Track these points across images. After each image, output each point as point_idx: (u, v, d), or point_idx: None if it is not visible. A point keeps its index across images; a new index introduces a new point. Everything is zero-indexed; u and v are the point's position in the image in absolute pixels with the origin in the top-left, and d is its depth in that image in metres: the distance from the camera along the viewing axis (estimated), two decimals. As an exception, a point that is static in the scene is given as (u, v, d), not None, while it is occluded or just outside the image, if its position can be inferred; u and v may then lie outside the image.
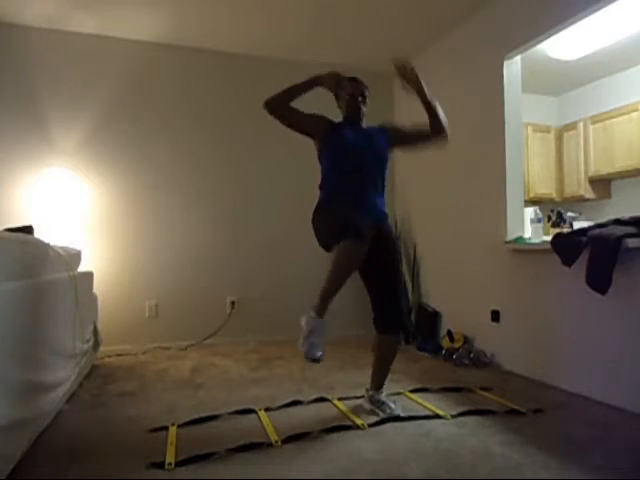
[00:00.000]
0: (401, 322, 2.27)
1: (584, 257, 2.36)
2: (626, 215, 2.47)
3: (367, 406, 2.24)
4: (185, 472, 1.64)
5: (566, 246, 2.46)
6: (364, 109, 2.31)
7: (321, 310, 1.95)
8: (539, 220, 4.22)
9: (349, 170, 2.18)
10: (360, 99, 2.29)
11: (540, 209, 3.18)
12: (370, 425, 2.03)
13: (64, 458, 1.76)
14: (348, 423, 2.05)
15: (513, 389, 2.60)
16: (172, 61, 3.93)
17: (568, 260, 2.44)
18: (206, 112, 4.01)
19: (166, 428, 2.00)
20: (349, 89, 2.27)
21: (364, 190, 2.19)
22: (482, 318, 3.26)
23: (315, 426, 2.02)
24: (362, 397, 2.33)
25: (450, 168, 3.69)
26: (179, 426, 2.03)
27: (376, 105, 4.35)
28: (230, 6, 3.33)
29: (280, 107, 2.32)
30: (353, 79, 2.31)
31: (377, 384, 2.29)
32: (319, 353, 1.91)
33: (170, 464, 1.67)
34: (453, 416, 2.13)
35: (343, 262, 1.92)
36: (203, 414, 2.15)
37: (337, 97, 2.35)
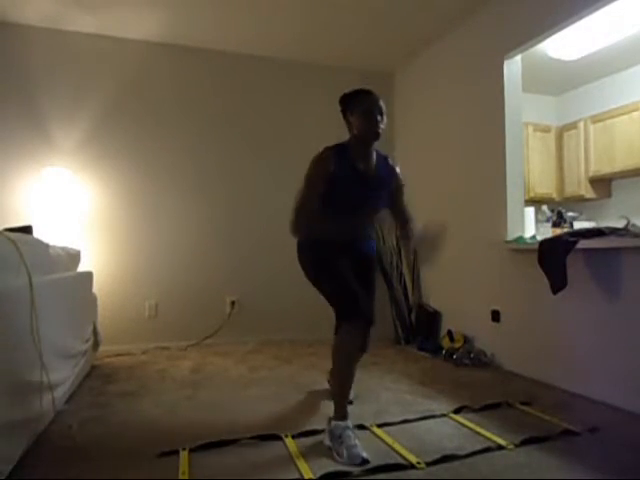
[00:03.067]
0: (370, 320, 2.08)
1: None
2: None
3: (327, 442, 1.84)
4: None
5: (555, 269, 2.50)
6: (382, 130, 1.98)
7: (340, 413, 1.89)
8: (548, 219, 4.24)
9: (348, 212, 2.06)
10: (379, 118, 1.96)
11: (540, 209, 3.18)
12: (429, 464, 1.68)
13: (64, 458, 1.75)
14: (402, 462, 1.70)
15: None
16: (172, 61, 3.93)
17: (559, 283, 2.46)
18: (206, 112, 4.00)
19: (177, 452, 1.78)
20: (368, 108, 1.96)
21: (361, 229, 2.19)
22: (482, 318, 3.25)
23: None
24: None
25: (450, 168, 3.69)
26: (191, 450, 1.80)
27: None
28: (230, 5, 3.33)
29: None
30: (368, 92, 2.02)
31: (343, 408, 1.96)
32: (363, 453, 1.70)
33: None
34: (516, 445, 1.84)
35: (344, 354, 1.93)
36: (218, 438, 1.88)
37: (346, 112, 2.04)
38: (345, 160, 1.98)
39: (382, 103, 2.00)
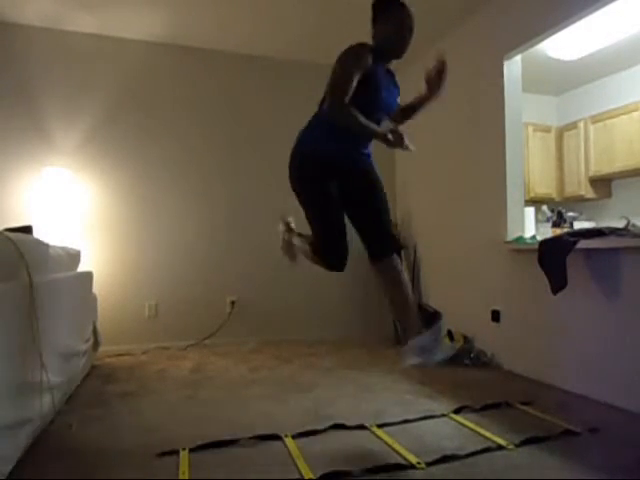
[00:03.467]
0: (393, 243, 2.03)
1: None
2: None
3: (414, 360, 1.89)
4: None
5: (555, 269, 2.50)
6: (408, 46, 2.00)
7: (414, 327, 1.93)
8: (548, 219, 4.25)
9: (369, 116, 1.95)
10: (408, 34, 1.98)
11: (540, 209, 3.18)
12: (429, 464, 1.67)
13: (64, 458, 1.75)
14: (402, 462, 1.71)
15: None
16: (172, 61, 3.93)
17: (559, 283, 2.46)
18: (206, 112, 4.01)
19: (177, 452, 1.78)
20: (398, 23, 1.94)
21: (364, 143, 2.10)
22: (482, 318, 3.25)
23: (356, 460, 1.71)
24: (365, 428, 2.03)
25: (450, 168, 3.69)
26: (191, 450, 1.80)
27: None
28: (230, 5, 3.33)
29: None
30: (404, 7, 1.97)
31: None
32: (446, 352, 1.84)
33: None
34: (517, 445, 1.83)
35: (397, 281, 1.95)
36: (218, 438, 1.88)
37: (377, 19, 2.00)
38: (375, 64, 1.94)
39: (413, 18, 1.99)
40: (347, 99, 1.83)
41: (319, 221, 2.00)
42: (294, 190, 2.08)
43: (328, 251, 1.99)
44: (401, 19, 1.96)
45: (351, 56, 1.89)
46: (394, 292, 1.97)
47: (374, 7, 2.04)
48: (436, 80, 2.03)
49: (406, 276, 1.99)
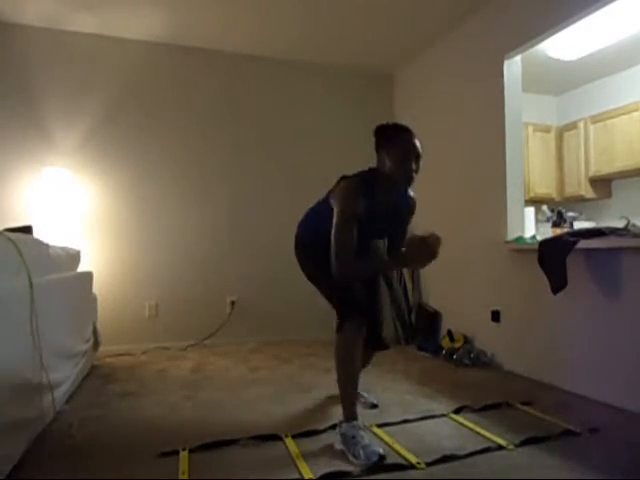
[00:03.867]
0: (381, 339, 2.25)
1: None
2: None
3: (339, 446, 1.81)
4: None
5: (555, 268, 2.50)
6: (415, 176, 1.91)
7: (350, 415, 1.88)
8: (548, 219, 4.24)
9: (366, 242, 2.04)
10: (414, 165, 1.89)
11: (540, 209, 3.18)
12: (429, 464, 1.68)
13: (64, 458, 1.75)
14: (402, 462, 1.70)
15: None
16: (173, 61, 3.92)
17: (559, 283, 2.46)
18: (206, 112, 4.00)
19: (177, 452, 1.78)
20: (407, 152, 1.87)
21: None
22: (482, 318, 3.25)
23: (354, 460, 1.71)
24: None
25: (450, 168, 3.69)
26: (191, 450, 1.79)
27: (375, 106, 4.40)
28: (230, 5, 3.33)
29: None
30: (408, 133, 1.91)
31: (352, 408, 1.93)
32: (379, 450, 1.72)
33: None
34: (516, 445, 1.83)
35: (346, 355, 1.92)
36: (218, 438, 1.88)
37: (380, 147, 1.94)
38: (370, 196, 1.90)
39: (419, 146, 1.91)
40: (353, 253, 1.83)
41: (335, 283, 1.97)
42: (306, 272, 2.17)
43: (354, 305, 1.95)
44: (407, 152, 1.88)
45: (349, 201, 1.86)
46: (353, 367, 1.94)
47: (376, 135, 1.97)
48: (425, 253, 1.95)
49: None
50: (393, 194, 2.00)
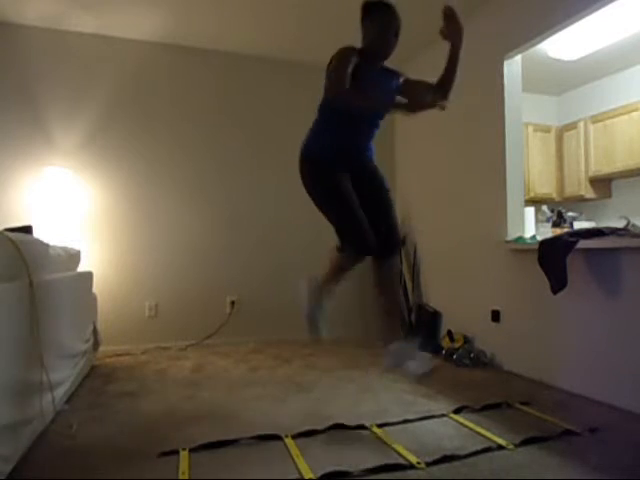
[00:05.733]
0: (396, 239, 2.20)
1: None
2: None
3: (391, 363, 2.05)
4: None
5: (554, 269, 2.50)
6: (391, 51, 2.08)
7: (397, 332, 2.05)
8: (548, 219, 4.24)
9: (356, 121, 2.08)
10: (392, 39, 2.07)
11: (540, 209, 3.17)
12: (429, 464, 1.67)
13: (64, 458, 1.75)
14: (402, 462, 1.70)
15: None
16: (172, 61, 3.93)
17: (559, 283, 2.46)
18: (206, 112, 4.01)
19: (177, 452, 1.78)
20: (382, 23, 2.02)
21: (364, 142, 2.17)
22: (482, 318, 3.25)
23: (356, 460, 1.70)
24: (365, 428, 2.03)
25: (450, 168, 3.69)
26: (191, 450, 1.80)
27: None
28: (230, 5, 3.33)
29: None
30: (388, 9, 2.05)
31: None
32: (425, 365, 1.93)
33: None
34: (517, 445, 1.83)
35: (338, 270, 2.07)
36: (218, 438, 1.88)
37: (364, 20, 2.08)
38: (362, 63, 2.01)
39: (399, 21, 2.06)
40: (345, 83, 1.91)
41: (341, 208, 2.04)
42: (309, 192, 2.16)
43: (357, 235, 2.01)
44: (386, 21, 2.04)
45: (340, 53, 1.99)
46: (388, 292, 2.04)
47: (362, 9, 2.10)
48: (452, 26, 2.04)
49: (398, 283, 2.05)
50: (374, 66, 2.09)
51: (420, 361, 1.97)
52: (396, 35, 2.08)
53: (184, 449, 1.79)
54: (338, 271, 2.16)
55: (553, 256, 2.47)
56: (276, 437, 1.91)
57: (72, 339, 2.45)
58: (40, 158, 3.55)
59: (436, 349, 3.46)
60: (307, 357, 3.39)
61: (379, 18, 2.04)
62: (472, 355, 3.15)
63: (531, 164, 4.57)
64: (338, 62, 1.96)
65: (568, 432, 1.95)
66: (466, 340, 3.35)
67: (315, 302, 2.14)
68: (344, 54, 1.97)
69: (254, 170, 4.11)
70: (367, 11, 2.08)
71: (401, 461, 1.70)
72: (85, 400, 2.43)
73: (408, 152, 4.24)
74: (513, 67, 3.16)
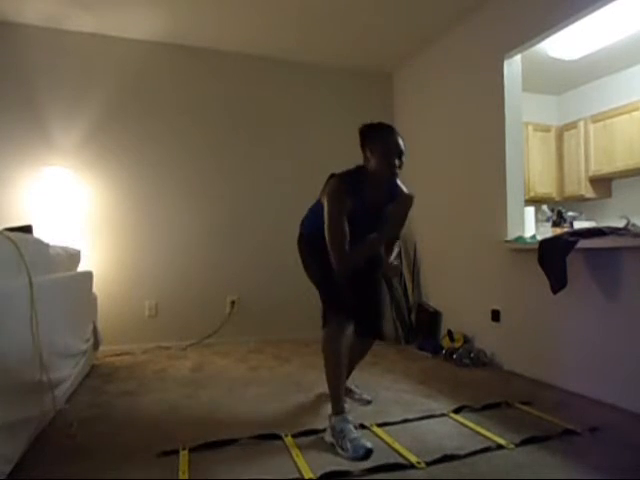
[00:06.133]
0: (380, 326, 2.32)
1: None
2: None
3: (329, 439, 1.85)
4: None
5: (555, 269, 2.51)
6: (398, 172, 2.01)
7: (336, 408, 1.93)
8: (548, 219, 4.24)
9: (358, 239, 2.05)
10: (397, 162, 1.98)
11: (540, 209, 3.17)
12: (429, 463, 1.68)
13: (64, 457, 1.75)
14: (402, 461, 1.70)
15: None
16: (172, 61, 3.92)
17: (559, 282, 2.46)
18: (206, 111, 4.00)
19: (176, 452, 1.78)
20: (388, 149, 1.96)
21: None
22: (482, 318, 3.25)
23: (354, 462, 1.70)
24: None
25: (450, 168, 3.69)
26: (191, 450, 1.79)
27: (375, 106, 4.39)
28: (230, 5, 3.32)
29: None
30: (390, 131, 2.01)
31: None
32: (367, 443, 1.74)
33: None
34: (517, 445, 1.83)
35: (329, 350, 1.97)
36: (218, 437, 1.88)
37: (365, 145, 2.03)
38: (358, 193, 1.98)
39: (402, 143, 2.00)
40: (347, 244, 1.94)
41: (326, 274, 2.03)
42: (303, 261, 2.23)
43: (341, 302, 2.02)
44: (388, 149, 1.96)
45: (335, 201, 1.96)
46: (337, 362, 1.97)
47: (360, 134, 2.05)
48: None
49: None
50: (379, 190, 2.06)
51: (354, 443, 1.75)
52: (399, 157, 1.99)
53: (184, 449, 1.79)
54: (333, 352, 1.97)
55: (553, 256, 2.47)
56: (276, 437, 1.91)
57: (72, 338, 2.45)
58: (40, 158, 3.54)
59: (436, 349, 3.46)
60: (307, 356, 3.39)
61: (381, 144, 1.97)
62: (472, 355, 3.15)
63: (531, 164, 4.57)
64: (335, 221, 1.93)
65: (568, 432, 1.95)
66: (466, 340, 3.36)
67: (336, 413, 1.91)
68: (338, 201, 1.94)
69: (255, 170, 4.11)
70: (366, 136, 2.03)
71: (401, 461, 1.70)
72: (85, 399, 2.43)
73: (407, 151, 4.23)
74: (513, 67, 3.16)
